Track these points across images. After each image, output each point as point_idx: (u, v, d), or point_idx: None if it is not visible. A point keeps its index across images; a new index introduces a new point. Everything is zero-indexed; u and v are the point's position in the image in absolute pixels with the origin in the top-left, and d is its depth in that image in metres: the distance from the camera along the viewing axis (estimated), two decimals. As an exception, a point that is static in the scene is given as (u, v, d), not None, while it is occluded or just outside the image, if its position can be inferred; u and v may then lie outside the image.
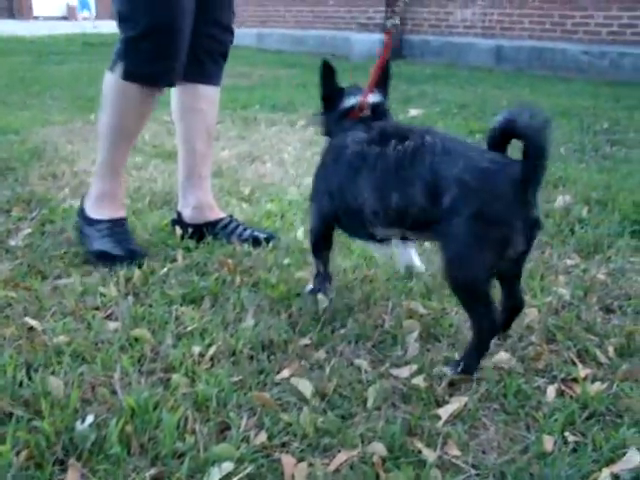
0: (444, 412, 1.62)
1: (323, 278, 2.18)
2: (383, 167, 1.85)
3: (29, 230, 2.69)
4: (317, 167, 2.14)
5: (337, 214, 2.04)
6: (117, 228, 2.46)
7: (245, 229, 2.66)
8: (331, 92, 2.16)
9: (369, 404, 1.64)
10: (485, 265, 1.71)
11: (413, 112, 5.43)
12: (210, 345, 1.85)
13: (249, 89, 6.85)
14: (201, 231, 2.64)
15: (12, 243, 2.57)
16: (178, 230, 2.62)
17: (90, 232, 2.46)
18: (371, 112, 2.07)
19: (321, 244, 2.17)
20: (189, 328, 1.94)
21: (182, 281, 2.25)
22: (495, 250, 1.69)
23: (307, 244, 2.37)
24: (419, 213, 1.79)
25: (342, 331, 1.98)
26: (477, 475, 1.43)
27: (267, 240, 2.60)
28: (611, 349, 1.93)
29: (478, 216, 1.66)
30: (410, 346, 1.90)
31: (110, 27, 16.99)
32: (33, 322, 1.95)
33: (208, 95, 2.62)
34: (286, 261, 2.43)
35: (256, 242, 2.58)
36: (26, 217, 2.86)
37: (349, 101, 2.09)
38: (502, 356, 1.84)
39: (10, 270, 2.32)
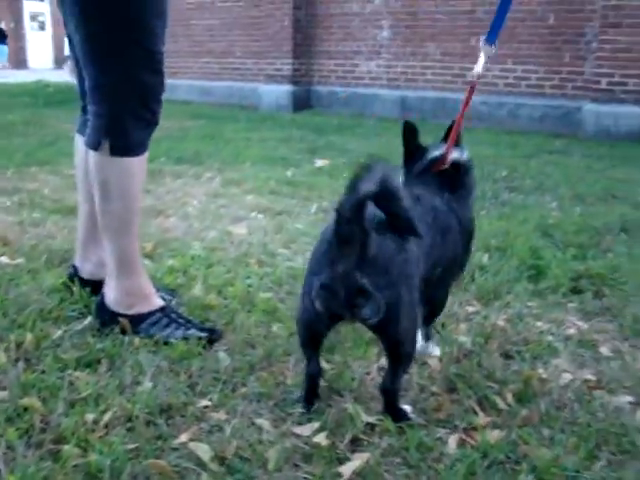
0: (346, 469, 1.61)
1: None
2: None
3: None
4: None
5: None
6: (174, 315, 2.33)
7: None
8: (413, 150, 2.18)
9: (270, 466, 1.61)
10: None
11: (319, 163, 5.50)
12: (105, 411, 1.78)
13: (155, 141, 6.70)
14: (98, 288, 2.48)
15: None
16: (74, 287, 2.52)
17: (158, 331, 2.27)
18: (451, 167, 2.11)
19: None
20: (83, 394, 1.86)
21: (77, 344, 2.17)
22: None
23: (208, 300, 2.35)
24: None
25: (243, 390, 1.94)
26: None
27: (171, 300, 2.51)
28: (510, 395, 1.97)
29: None
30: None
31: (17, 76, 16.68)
32: None
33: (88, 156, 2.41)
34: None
35: None
36: None
37: (432, 154, 2.13)
38: (405, 409, 1.84)
39: None
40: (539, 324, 2.48)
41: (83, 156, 2.37)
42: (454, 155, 2.11)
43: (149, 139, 2.26)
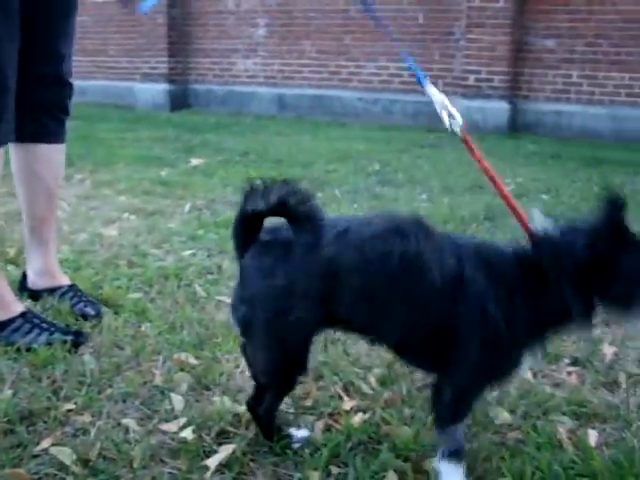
0: (212, 462, 1.64)
1: None
2: None
3: None
4: None
5: None
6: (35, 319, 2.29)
7: (79, 302, 2.50)
8: None
9: (135, 464, 1.62)
10: None
11: (194, 162, 5.48)
12: (-40, 423, 1.74)
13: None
14: (43, 294, 2.55)
15: None
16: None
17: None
18: None
19: None
20: (-62, 406, 1.81)
21: None
22: None
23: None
24: None
25: (109, 391, 1.94)
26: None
27: (95, 317, 2.44)
28: (374, 380, 2.05)
29: None
30: (179, 399, 1.90)
31: None
32: None
33: (48, 155, 2.47)
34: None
35: (84, 318, 2.43)
36: None
37: None
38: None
39: None
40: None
41: (16, 163, 2.48)
42: None
43: None
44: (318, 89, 9.71)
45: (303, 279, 1.51)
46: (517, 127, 8.16)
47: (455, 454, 1.55)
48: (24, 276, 2.62)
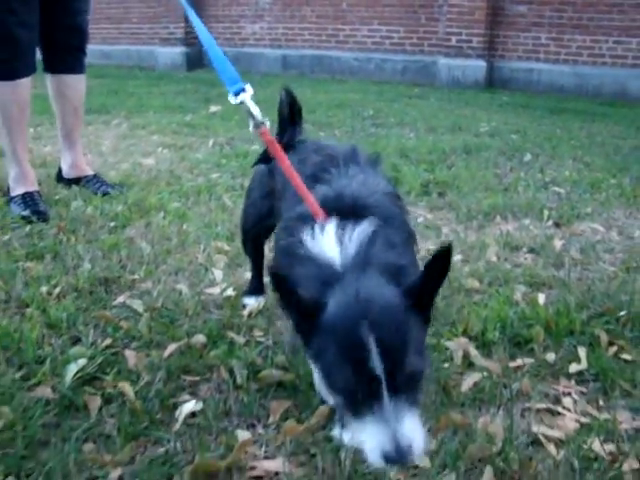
0: (246, 312, 1.93)
1: None
2: None
3: None
4: None
5: None
6: (28, 198, 2.78)
7: (101, 185, 3.11)
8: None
9: (190, 312, 1.90)
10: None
11: (213, 108, 5.68)
12: (55, 286, 2.02)
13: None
14: (74, 183, 3.18)
15: None
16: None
17: (12, 206, 2.79)
18: None
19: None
20: (35, 276, 2.09)
21: (24, 244, 2.37)
22: None
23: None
24: None
25: (164, 267, 2.22)
26: (276, 346, 1.74)
27: (116, 191, 3.06)
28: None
29: None
30: (219, 272, 2.18)
31: None
32: None
33: (72, 82, 3.08)
34: (112, 224, 2.62)
35: (106, 194, 3.02)
36: None
37: None
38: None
39: None
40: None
41: (50, 88, 3.10)
42: None
43: (10, 71, 2.70)
44: (318, 50, 9.84)
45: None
46: (493, 83, 8.33)
47: None
48: (59, 170, 3.25)
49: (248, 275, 2.11)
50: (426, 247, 2.47)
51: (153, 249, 2.35)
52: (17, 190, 2.82)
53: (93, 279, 2.07)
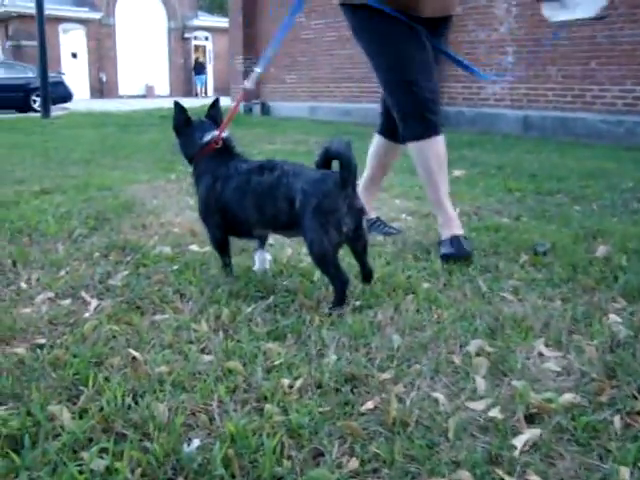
0: (519, 442, 1.53)
1: (228, 266, 2.65)
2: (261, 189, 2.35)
3: (126, 272, 2.68)
4: (202, 190, 2.56)
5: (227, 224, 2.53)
6: (455, 241, 2.97)
7: (384, 227, 3.42)
8: (184, 124, 2.68)
9: (450, 434, 1.55)
10: (330, 241, 2.19)
11: (457, 173, 5.37)
12: (297, 378, 1.78)
13: (305, 154, 6.88)
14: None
15: (112, 283, 2.56)
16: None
17: (441, 249, 2.99)
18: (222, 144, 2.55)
19: (224, 246, 2.62)
20: (276, 362, 1.88)
21: (266, 319, 2.20)
22: (334, 230, 2.18)
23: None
24: (285, 217, 2.30)
25: (417, 366, 1.89)
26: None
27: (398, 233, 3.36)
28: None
29: (316, 209, 2.17)
30: (481, 381, 1.80)
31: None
32: (136, 353, 1.91)
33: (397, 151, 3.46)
34: (358, 302, 2.37)
35: (387, 234, 3.34)
36: (122, 261, 2.86)
37: (206, 136, 2.56)
38: (566, 396, 1.73)
39: (112, 306, 2.31)
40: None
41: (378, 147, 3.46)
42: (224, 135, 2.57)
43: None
44: (562, 111, 9.20)
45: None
46: None
47: None
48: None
49: (517, 384, 1.72)
50: None
51: (403, 341, 2.04)
52: (445, 235, 3.00)
53: (339, 374, 1.80)
